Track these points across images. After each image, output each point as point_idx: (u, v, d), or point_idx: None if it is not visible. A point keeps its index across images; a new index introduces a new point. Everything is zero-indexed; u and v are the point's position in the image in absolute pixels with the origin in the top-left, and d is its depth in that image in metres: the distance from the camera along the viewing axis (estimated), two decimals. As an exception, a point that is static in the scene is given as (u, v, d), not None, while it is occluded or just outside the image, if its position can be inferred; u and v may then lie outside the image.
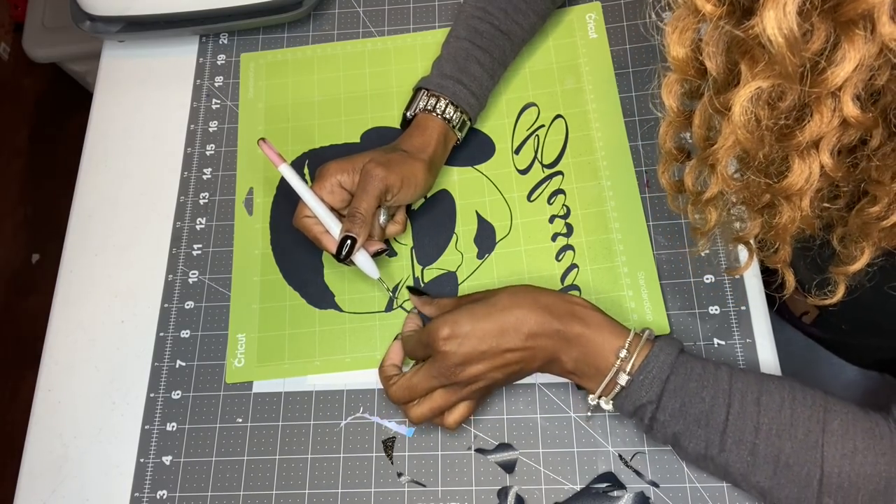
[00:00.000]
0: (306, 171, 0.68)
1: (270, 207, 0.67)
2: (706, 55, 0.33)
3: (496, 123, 0.68)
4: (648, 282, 0.60)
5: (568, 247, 0.62)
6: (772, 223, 0.38)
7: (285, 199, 0.67)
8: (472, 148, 0.67)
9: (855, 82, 0.30)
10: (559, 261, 0.62)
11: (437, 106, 0.62)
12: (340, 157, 0.59)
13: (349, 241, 0.56)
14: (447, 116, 0.62)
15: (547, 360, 0.51)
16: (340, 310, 0.63)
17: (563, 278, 0.61)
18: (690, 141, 0.39)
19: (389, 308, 0.62)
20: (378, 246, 0.59)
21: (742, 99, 0.32)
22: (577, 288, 0.61)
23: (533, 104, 0.68)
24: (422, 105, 0.62)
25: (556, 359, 0.51)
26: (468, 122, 0.64)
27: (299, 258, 0.65)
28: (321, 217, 0.58)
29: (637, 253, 0.61)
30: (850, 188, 0.36)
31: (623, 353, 0.49)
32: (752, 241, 0.42)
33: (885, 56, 0.29)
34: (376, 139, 0.69)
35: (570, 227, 0.63)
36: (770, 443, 0.47)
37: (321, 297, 0.63)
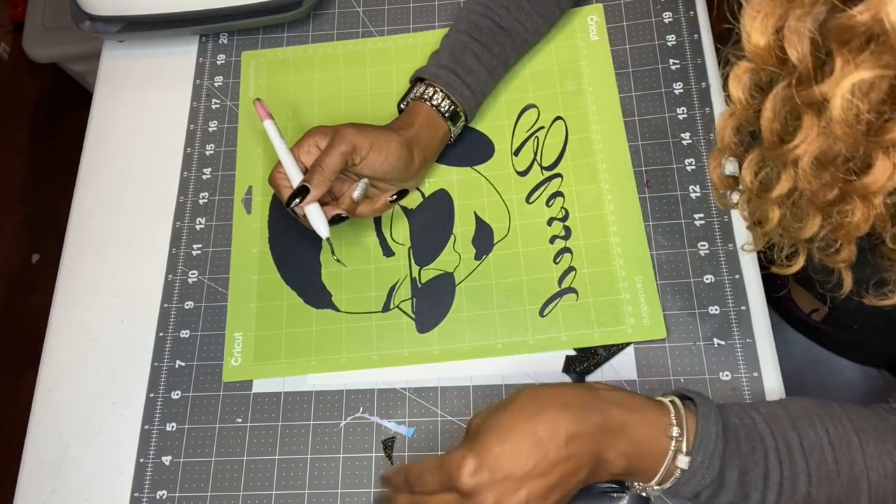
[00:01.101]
0: None
1: (269, 206, 0.67)
2: (789, 44, 0.31)
3: (495, 124, 0.68)
4: (646, 286, 0.60)
5: (566, 249, 0.62)
6: (842, 221, 0.36)
7: None
8: (471, 148, 0.67)
9: None
10: (557, 263, 0.62)
11: (427, 93, 0.62)
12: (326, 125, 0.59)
13: (303, 191, 0.55)
14: (435, 103, 0.61)
15: (593, 463, 0.44)
16: (337, 309, 0.62)
17: (560, 281, 0.61)
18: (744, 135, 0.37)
19: (386, 309, 0.62)
20: (336, 211, 0.57)
21: (844, 91, 0.30)
22: (574, 291, 0.60)
23: (533, 106, 0.68)
24: (414, 94, 0.63)
25: (602, 459, 0.44)
26: (462, 116, 0.63)
27: (297, 257, 0.65)
28: (289, 171, 0.57)
29: (635, 257, 0.61)
30: None
31: (675, 432, 0.44)
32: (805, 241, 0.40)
33: None
34: None
35: (568, 230, 0.63)
36: (822, 486, 0.44)
37: (318, 297, 0.63)
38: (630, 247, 0.61)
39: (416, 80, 0.64)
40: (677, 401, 0.46)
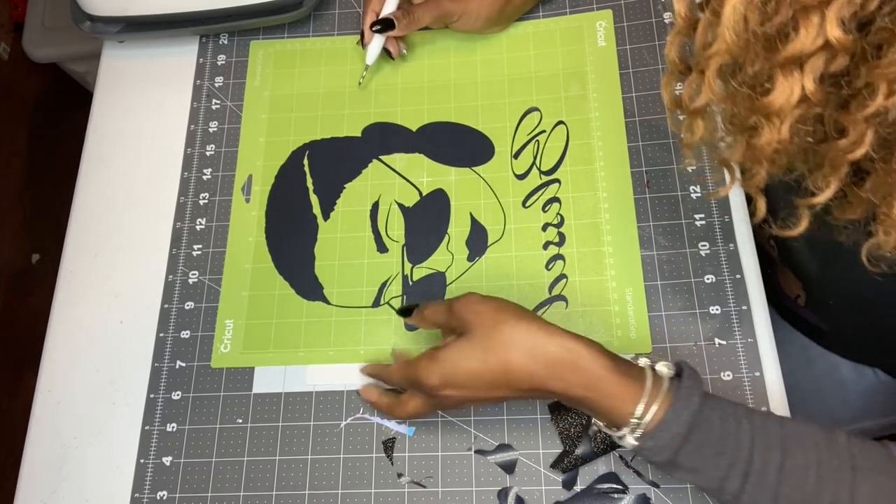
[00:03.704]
0: (306, 161, 0.68)
1: (268, 196, 0.67)
2: None
3: (497, 126, 0.67)
4: (636, 299, 0.59)
5: (558, 256, 0.62)
6: (751, 142, 0.38)
7: (283, 189, 0.68)
8: (471, 149, 0.67)
9: (841, 3, 0.30)
10: (549, 270, 0.61)
11: None
12: None
13: (388, 25, 0.65)
14: None
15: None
16: (328, 302, 0.63)
17: (550, 288, 0.61)
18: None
19: (376, 304, 0.62)
20: (394, 49, 0.68)
21: None
22: (563, 298, 0.60)
23: (535, 109, 0.67)
24: None
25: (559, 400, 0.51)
26: None
27: (291, 248, 0.65)
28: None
29: (627, 269, 0.60)
30: (827, 126, 0.37)
31: (634, 421, 0.46)
32: (733, 165, 0.42)
33: None
34: (378, 134, 0.69)
35: (562, 237, 0.62)
36: None
37: (310, 289, 0.63)
38: (623, 258, 0.61)
39: None
40: (664, 382, 0.46)
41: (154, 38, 0.75)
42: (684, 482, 0.53)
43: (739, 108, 0.37)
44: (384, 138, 0.69)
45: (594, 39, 0.69)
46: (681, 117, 0.42)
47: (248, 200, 0.67)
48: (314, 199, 0.67)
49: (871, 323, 0.60)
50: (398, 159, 0.68)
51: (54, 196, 1.25)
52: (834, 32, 0.31)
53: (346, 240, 0.65)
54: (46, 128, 1.70)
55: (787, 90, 0.34)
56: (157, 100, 0.74)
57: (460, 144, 0.66)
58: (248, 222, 0.67)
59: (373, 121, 0.69)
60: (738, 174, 0.43)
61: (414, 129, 0.69)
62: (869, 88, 0.33)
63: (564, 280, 0.61)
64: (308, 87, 0.72)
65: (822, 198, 0.38)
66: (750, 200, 0.45)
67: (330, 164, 0.68)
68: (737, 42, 0.33)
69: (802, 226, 0.41)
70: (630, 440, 0.46)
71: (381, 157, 0.68)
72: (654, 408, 0.45)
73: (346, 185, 0.67)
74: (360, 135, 0.69)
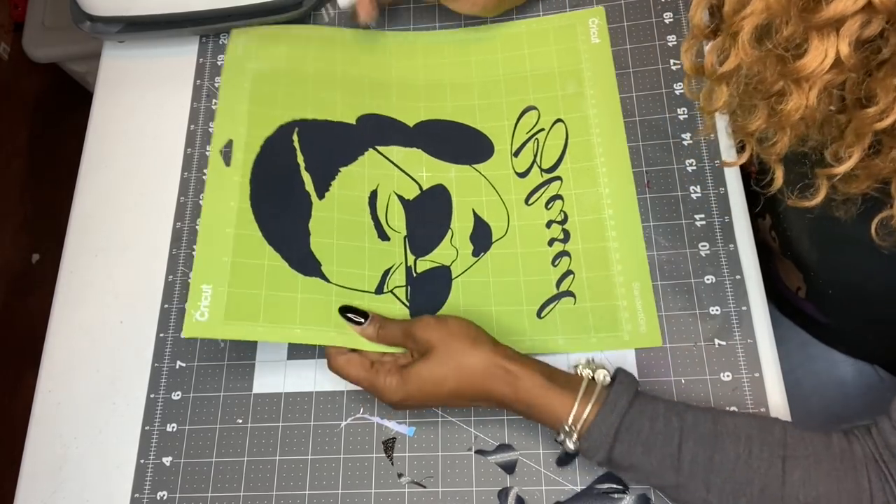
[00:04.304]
0: (296, 138, 0.65)
1: (252, 165, 0.63)
2: None
3: (496, 125, 0.67)
4: (643, 293, 0.59)
5: (564, 253, 0.62)
6: (777, 109, 0.38)
7: (271, 160, 0.64)
8: (470, 147, 0.66)
9: None
10: (555, 266, 0.61)
11: None
12: None
13: None
14: None
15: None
16: (327, 280, 0.59)
17: (558, 284, 0.61)
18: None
19: (380, 291, 0.60)
20: (364, 12, 0.65)
21: None
22: (571, 294, 0.60)
23: (533, 108, 0.67)
24: None
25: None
26: None
27: (283, 221, 0.62)
28: None
29: (633, 263, 0.60)
30: (854, 97, 0.36)
31: (563, 432, 0.50)
32: (753, 136, 0.42)
33: None
34: (374, 126, 0.66)
35: (567, 233, 0.62)
36: (729, 499, 0.46)
37: (306, 264, 0.60)
38: (628, 253, 0.61)
39: None
40: (595, 389, 0.50)
41: (154, 38, 0.75)
42: (630, 480, 0.54)
43: (769, 71, 0.37)
44: (381, 129, 0.66)
45: (587, 37, 0.69)
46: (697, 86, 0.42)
47: (227, 164, 0.63)
48: (306, 175, 0.63)
49: (872, 315, 0.60)
50: (395, 151, 0.66)
51: (54, 196, 1.25)
52: None
53: (344, 221, 0.62)
54: (46, 128, 1.70)
55: (822, 54, 0.34)
56: (157, 100, 0.74)
57: (459, 142, 0.66)
58: (229, 186, 0.62)
59: (368, 110, 0.67)
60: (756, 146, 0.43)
61: (411, 124, 0.67)
62: None
63: (571, 276, 0.61)
64: (297, 66, 0.68)
65: (843, 167, 0.38)
66: (751, 192, 0.44)
67: (323, 145, 0.65)
68: (777, 2, 0.33)
69: (821, 196, 0.41)
70: (569, 444, 0.50)
71: (377, 146, 0.66)
72: (585, 413, 0.49)
73: (341, 169, 0.64)
74: (354, 122, 0.67)
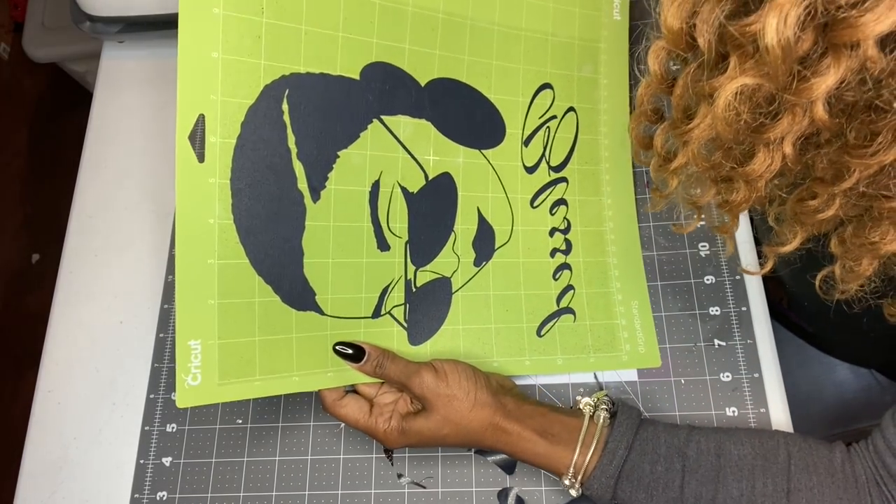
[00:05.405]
0: (285, 103, 0.50)
1: (232, 154, 0.48)
2: (699, 33, 0.33)
3: (510, 99, 0.62)
4: (642, 312, 0.59)
5: (565, 265, 0.61)
6: (727, 199, 0.39)
7: (254, 146, 0.49)
8: (481, 123, 0.61)
9: (831, 92, 0.31)
10: (556, 280, 0.60)
11: None
12: None
13: None
14: None
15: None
16: (322, 312, 0.53)
17: (558, 299, 0.60)
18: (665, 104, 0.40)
19: (377, 314, 0.56)
20: None
21: (727, 93, 0.32)
22: (572, 311, 0.59)
23: (549, 86, 0.63)
24: None
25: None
26: None
27: (274, 238, 0.51)
28: None
29: (632, 281, 0.60)
30: (797, 171, 0.38)
31: (566, 481, 0.51)
32: (701, 209, 0.44)
33: (862, 73, 0.30)
34: (381, 79, 0.55)
35: (569, 244, 0.61)
36: None
37: (299, 295, 0.52)
38: (627, 270, 0.60)
39: None
40: (595, 437, 0.50)
41: (154, 38, 0.75)
42: None
43: (718, 171, 0.38)
44: (388, 88, 0.56)
45: (610, 9, 0.65)
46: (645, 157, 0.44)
47: (201, 159, 0.47)
48: (299, 167, 0.51)
49: (852, 324, 0.60)
50: (403, 125, 0.57)
51: (54, 196, 1.25)
52: (821, 116, 0.32)
53: (341, 230, 0.54)
54: (47, 127, 1.70)
55: (768, 160, 0.35)
56: (157, 99, 0.74)
57: (471, 116, 0.61)
58: (205, 194, 0.47)
59: (376, 59, 0.54)
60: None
61: (423, 82, 0.58)
62: (842, 166, 0.34)
63: (572, 291, 0.60)
64: None
65: (788, 248, 0.40)
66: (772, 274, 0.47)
67: (319, 114, 0.52)
68: (727, 130, 0.34)
69: (768, 267, 0.44)
70: (572, 492, 0.51)
71: (382, 116, 0.56)
72: (585, 463, 0.50)
73: (340, 153, 0.54)
74: (358, 77, 0.54)
